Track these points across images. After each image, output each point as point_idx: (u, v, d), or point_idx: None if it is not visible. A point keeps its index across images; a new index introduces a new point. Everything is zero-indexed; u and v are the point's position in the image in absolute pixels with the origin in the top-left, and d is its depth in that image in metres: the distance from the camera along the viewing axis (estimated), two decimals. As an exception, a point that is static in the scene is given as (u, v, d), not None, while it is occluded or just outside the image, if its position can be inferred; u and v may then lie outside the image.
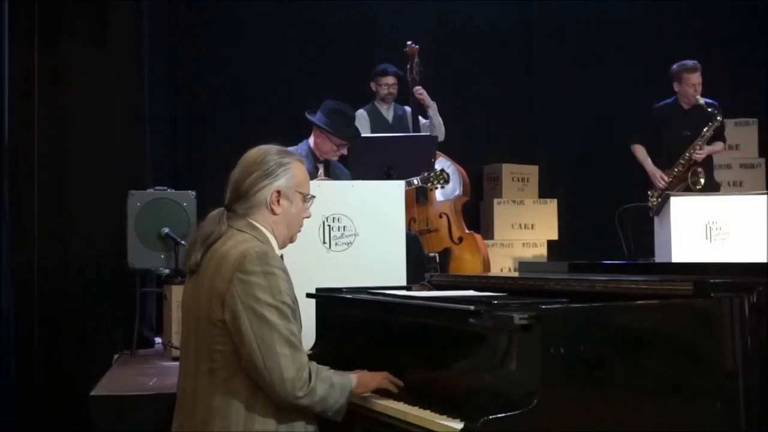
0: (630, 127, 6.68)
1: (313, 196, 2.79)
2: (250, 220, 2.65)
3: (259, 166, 2.66)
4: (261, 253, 2.53)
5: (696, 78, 6.28)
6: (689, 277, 2.59)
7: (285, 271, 2.56)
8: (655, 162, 6.39)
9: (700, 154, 6.26)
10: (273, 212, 2.66)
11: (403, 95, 6.29)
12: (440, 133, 6.13)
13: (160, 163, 6.01)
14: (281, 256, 2.68)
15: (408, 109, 6.27)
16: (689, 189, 6.15)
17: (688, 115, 6.37)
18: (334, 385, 2.55)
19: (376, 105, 6.28)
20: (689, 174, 6.22)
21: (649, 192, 6.32)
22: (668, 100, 6.48)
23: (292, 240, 2.78)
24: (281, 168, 2.67)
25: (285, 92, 6.70)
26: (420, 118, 6.18)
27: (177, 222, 4.72)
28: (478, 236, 6.02)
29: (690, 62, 6.33)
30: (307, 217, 2.80)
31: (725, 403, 2.35)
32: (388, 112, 6.29)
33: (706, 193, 6.09)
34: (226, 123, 6.57)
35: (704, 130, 6.23)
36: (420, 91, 6.13)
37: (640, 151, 6.47)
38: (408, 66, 6.19)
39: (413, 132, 6.09)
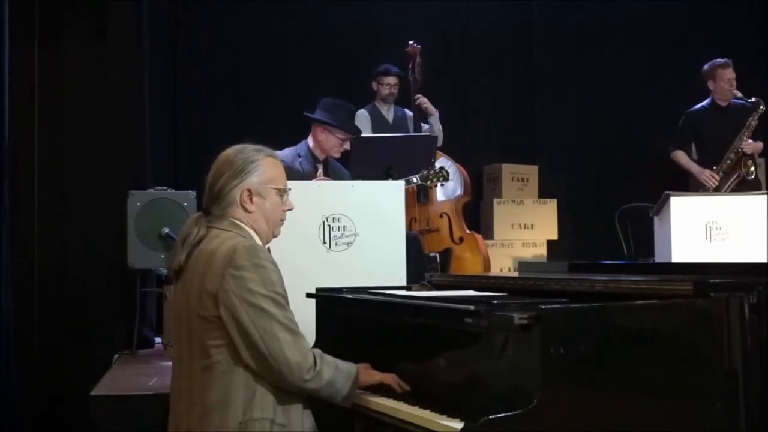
0: (668, 135, 6.63)
1: (289, 189, 2.80)
2: (233, 219, 2.69)
3: (228, 167, 2.70)
4: (249, 248, 2.58)
5: (730, 73, 6.26)
6: (689, 277, 2.58)
7: (274, 263, 2.60)
8: (701, 163, 6.35)
9: (748, 146, 6.22)
10: (246, 210, 2.69)
11: (405, 96, 6.28)
12: (439, 140, 6.13)
13: (160, 163, 6.01)
14: (268, 249, 2.71)
15: (408, 111, 6.27)
16: (744, 180, 6.12)
17: (725, 113, 6.35)
18: (340, 369, 2.61)
19: (376, 105, 6.27)
20: (741, 165, 6.18)
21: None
22: (702, 103, 6.45)
23: (275, 235, 2.81)
24: (250, 165, 2.70)
25: (285, 92, 6.70)
26: (421, 123, 6.19)
27: (177, 222, 4.70)
28: (478, 236, 6.02)
29: (721, 59, 6.31)
30: (289, 210, 2.81)
31: (725, 403, 2.35)
32: (388, 113, 6.28)
33: (706, 193, 6.08)
34: (226, 123, 6.57)
35: (749, 119, 6.21)
36: (422, 100, 6.13)
37: (683, 157, 6.43)
38: (410, 66, 6.19)
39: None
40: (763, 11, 7.27)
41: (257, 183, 2.70)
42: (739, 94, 6.25)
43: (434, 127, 6.19)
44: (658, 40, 7.46)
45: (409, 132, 6.14)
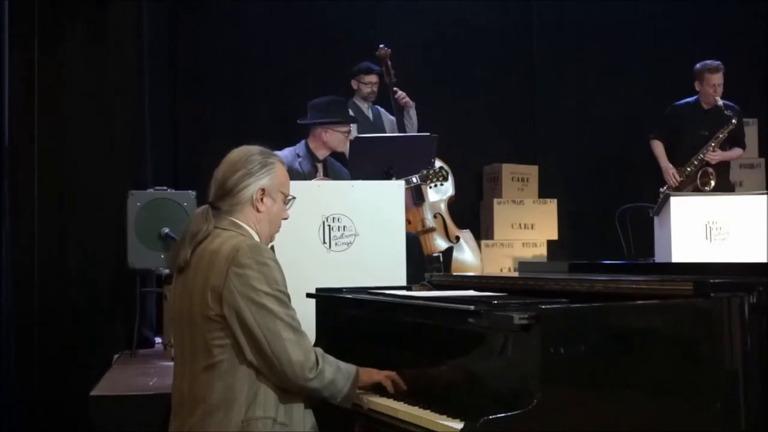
0: (644, 122, 6.67)
1: (294, 197, 2.84)
2: (234, 219, 2.70)
3: (243, 165, 2.71)
4: (253, 246, 2.59)
5: (717, 78, 6.26)
6: (689, 277, 2.58)
7: (277, 262, 2.62)
8: (672, 160, 6.39)
9: (713, 157, 6.25)
10: (257, 210, 2.72)
11: (385, 97, 6.29)
12: (414, 131, 6.17)
13: (160, 163, 6.01)
14: (272, 248, 2.72)
15: (381, 109, 6.28)
16: (698, 190, 6.14)
17: (707, 116, 6.36)
18: (341, 369, 2.63)
19: (356, 103, 6.23)
20: (699, 175, 6.21)
21: (660, 189, 6.30)
22: (689, 99, 6.47)
23: (272, 239, 2.84)
24: (265, 168, 2.73)
25: (285, 92, 6.70)
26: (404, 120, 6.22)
27: (177, 222, 4.70)
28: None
29: (713, 62, 6.30)
30: (285, 219, 2.84)
31: (725, 403, 2.35)
32: (368, 111, 6.27)
33: (706, 193, 6.08)
34: (226, 123, 6.57)
35: (719, 131, 6.23)
36: (400, 94, 6.15)
37: (658, 147, 6.46)
38: (383, 68, 6.20)
39: (399, 130, 6.11)
40: (763, 11, 7.25)
41: (270, 185, 2.73)
42: (721, 102, 6.25)
43: (412, 119, 6.22)
44: (659, 39, 7.45)
45: (385, 130, 6.15)
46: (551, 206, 6.98)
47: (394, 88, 6.16)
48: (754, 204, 5.20)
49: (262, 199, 2.72)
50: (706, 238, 5.16)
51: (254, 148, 2.77)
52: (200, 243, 2.66)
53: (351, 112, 6.03)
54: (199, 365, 2.57)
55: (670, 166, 6.35)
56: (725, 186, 6.27)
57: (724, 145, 6.33)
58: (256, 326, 2.52)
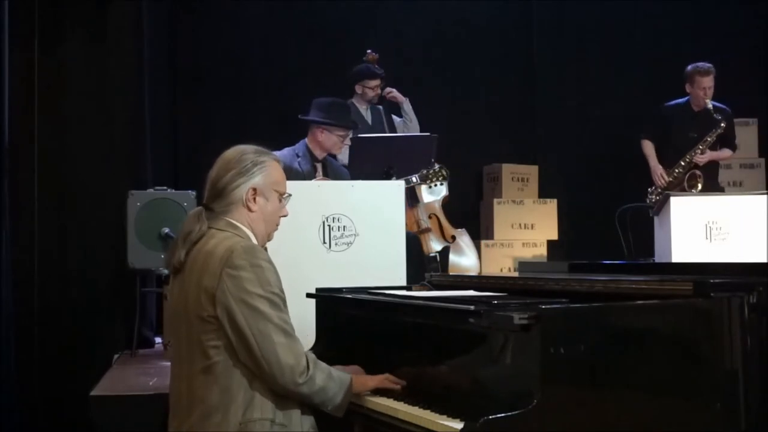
0: (642, 122, 6.68)
1: (290, 195, 2.82)
2: (229, 219, 2.69)
3: (235, 165, 2.71)
4: (247, 248, 2.58)
5: (708, 81, 6.25)
6: (689, 277, 2.58)
7: (271, 263, 2.60)
8: (662, 160, 6.39)
9: (701, 159, 6.25)
10: (249, 209, 2.71)
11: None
12: (415, 128, 6.15)
13: (160, 163, 6.01)
14: (265, 249, 2.71)
15: (379, 107, 6.28)
16: (684, 191, 6.15)
17: (696, 118, 6.35)
18: (333, 377, 2.60)
19: (355, 104, 6.22)
20: (687, 177, 6.22)
21: (649, 189, 6.33)
22: (680, 100, 6.46)
23: (269, 238, 2.82)
24: (257, 166, 2.72)
25: (284, 92, 6.70)
26: (393, 117, 6.20)
27: (177, 222, 4.69)
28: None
29: (704, 65, 6.28)
30: (284, 216, 2.82)
31: (725, 403, 2.35)
32: (366, 113, 6.27)
33: (706, 192, 6.08)
34: (226, 123, 6.57)
35: (707, 134, 6.23)
36: (389, 91, 6.15)
37: (648, 147, 6.46)
38: None
39: (389, 131, 6.11)
40: (763, 11, 7.25)
41: (262, 184, 2.72)
42: (710, 105, 6.24)
43: (409, 115, 6.21)
44: (658, 39, 7.45)
45: (385, 128, 6.15)
46: (551, 206, 6.98)
47: (387, 88, 6.16)
48: (754, 204, 5.20)
49: (254, 199, 2.70)
50: (706, 238, 5.16)
51: (248, 148, 2.76)
52: (195, 243, 2.65)
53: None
54: (197, 366, 2.56)
55: (659, 166, 6.35)
56: (713, 188, 6.26)
57: (714, 146, 6.32)
58: (247, 328, 2.50)
